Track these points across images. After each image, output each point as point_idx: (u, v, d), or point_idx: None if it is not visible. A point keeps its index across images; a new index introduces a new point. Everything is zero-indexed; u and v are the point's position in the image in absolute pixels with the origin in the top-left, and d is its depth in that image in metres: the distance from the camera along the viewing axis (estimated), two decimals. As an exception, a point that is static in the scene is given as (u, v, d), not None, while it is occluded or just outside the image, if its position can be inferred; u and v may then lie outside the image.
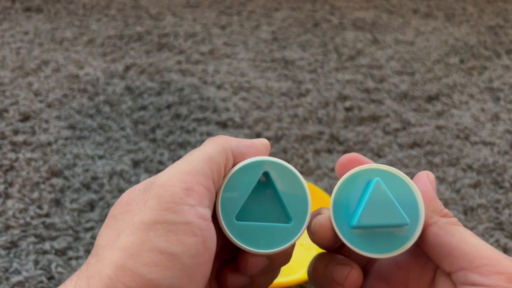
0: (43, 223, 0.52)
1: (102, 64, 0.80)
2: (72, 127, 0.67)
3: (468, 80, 0.82)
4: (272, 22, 0.97)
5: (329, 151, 0.65)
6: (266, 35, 0.92)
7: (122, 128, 0.67)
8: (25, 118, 0.68)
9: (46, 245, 0.50)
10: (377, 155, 0.65)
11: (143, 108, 0.71)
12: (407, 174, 0.25)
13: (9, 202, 0.54)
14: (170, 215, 0.19)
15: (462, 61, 0.87)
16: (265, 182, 0.24)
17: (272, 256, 0.24)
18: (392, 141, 0.68)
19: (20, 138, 0.64)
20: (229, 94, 0.75)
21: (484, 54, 0.89)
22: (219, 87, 0.77)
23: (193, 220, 0.19)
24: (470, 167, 0.64)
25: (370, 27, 0.96)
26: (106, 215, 0.44)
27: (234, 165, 0.24)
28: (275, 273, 0.26)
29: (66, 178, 0.58)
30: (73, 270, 0.48)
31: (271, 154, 0.26)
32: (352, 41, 0.91)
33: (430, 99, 0.77)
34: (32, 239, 0.51)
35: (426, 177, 0.25)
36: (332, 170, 0.62)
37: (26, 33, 0.88)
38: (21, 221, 0.52)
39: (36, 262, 0.49)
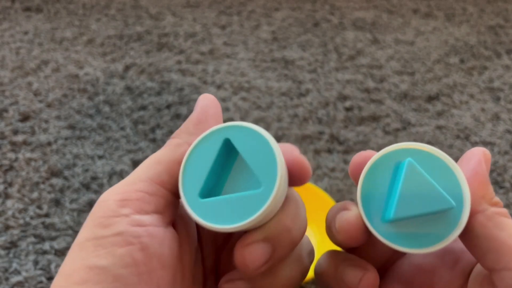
0: (43, 223, 0.52)
1: (102, 64, 0.80)
2: (71, 127, 0.66)
3: (468, 80, 0.81)
4: (272, 22, 0.97)
5: (329, 151, 0.65)
6: (266, 35, 0.92)
7: (122, 128, 0.67)
8: (25, 118, 0.68)
9: (46, 245, 0.50)
10: (377, 155, 0.65)
11: (143, 108, 0.71)
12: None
13: (9, 202, 0.54)
14: (100, 230, 0.19)
15: (462, 61, 0.86)
16: (232, 152, 0.21)
17: (269, 237, 0.20)
18: (392, 141, 0.67)
19: (19, 138, 0.64)
20: (229, 94, 0.75)
21: (484, 54, 0.89)
22: (219, 87, 0.76)
23: (125, 229, 0.19)
24: (470, 167, 0.64)
25: (370, 27, 0.96)
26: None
27: None
28: (283, 274, 0.21)
29: (65, 178, 0.58)
30: (72, 270, 0.48)
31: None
32: (352, 41, 0.91)
33: (430, 99, 0.77)
34: (32, 239, 0.51)
35: (483, 155, 0.21)
36: (332, 170, 0.62)
37: (25, 33, 0.88)
38: (21, 221, 0.52)
39: (36, 262, 0.48)
